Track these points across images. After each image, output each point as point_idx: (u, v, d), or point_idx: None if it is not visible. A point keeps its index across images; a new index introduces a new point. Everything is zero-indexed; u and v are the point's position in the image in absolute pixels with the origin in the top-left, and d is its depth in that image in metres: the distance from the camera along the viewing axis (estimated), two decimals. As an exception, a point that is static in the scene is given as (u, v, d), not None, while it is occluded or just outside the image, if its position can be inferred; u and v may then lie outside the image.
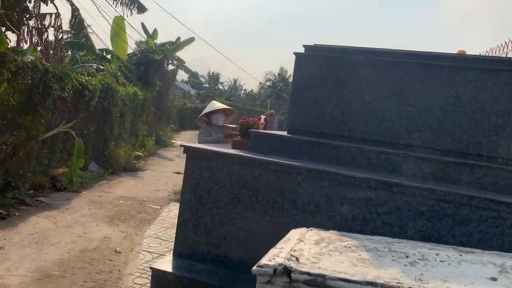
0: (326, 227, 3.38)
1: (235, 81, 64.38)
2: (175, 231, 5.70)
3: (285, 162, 3.51)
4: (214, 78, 61.60)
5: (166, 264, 3.67)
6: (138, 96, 11.66)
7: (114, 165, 9.36)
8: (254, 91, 66.37)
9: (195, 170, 3.81)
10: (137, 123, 12.40)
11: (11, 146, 6.23)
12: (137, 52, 16.51)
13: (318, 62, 4.11)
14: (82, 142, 7.27)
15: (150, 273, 4.18)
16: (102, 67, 13.73)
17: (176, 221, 6.00)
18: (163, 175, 10.00)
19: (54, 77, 6.73)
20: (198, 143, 4.74)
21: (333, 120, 4.03)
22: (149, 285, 3.84)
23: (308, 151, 3.91)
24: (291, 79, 56.52)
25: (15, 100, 6.10)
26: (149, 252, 4.76)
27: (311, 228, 2.48)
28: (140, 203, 7.00)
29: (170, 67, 20.15)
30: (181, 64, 21.87)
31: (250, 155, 3.65)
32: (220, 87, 61.32)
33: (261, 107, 47.85)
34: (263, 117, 4.93)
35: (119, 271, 4.16)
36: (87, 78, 7.97)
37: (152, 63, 15.64)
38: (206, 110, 5.06)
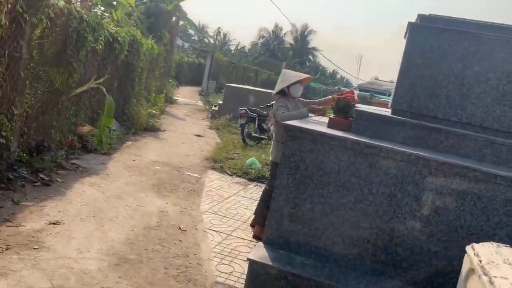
0: (454, 231, 3.06)
1: (225, 35, 61.93)
2: (229, 205, 5.36)
3: (411, 151, 3.10)
4: (203, 31, 59.39)
5: (261, 254, 3.30)
6: (155, 50, 10.89)
7: (136, 125, 8.79)
8: (246, 47, 64.51)
9: (296, 152, 3.37)
10: (150, 79, 11.68)
11: (42, 102, 5.61)
12: (146, 0, 15.41)
13: (435, 35, 3.61)
14: (112, 100, 6.70)
15: (230, 258, 3.84)
16: (107, 15, 12.74)
17: (226, 194, 5.66)
18: (185, 138, 9.49)
19: (89, 27, 6.02)
20: (278, 118, 4.27)
21: (449, 104, 3.59)
22: (235, 273, 3.50)
23: (422, 137, 3.49)
24: (285, 37, 54.31)
25: (49, 51, 5.42)
26: (215, 231, 4.38)
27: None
28: (178, 170, 6.54)
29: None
30: (183, 15, 20.71)
31: (366, 140, 3.23)
32: (211, 40, 59.30)
33: (254, 65, 46.62)
34: (356, 92, 4.47)
35: (194, 254, 3.77)
36: (116, 29, 7.24)
37: (161, 14, 14.64)
38: (286, 82, 4.53)
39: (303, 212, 3.37)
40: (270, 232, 3.47)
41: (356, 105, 3.90)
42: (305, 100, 4.77)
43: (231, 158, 7.87)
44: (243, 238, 4.33)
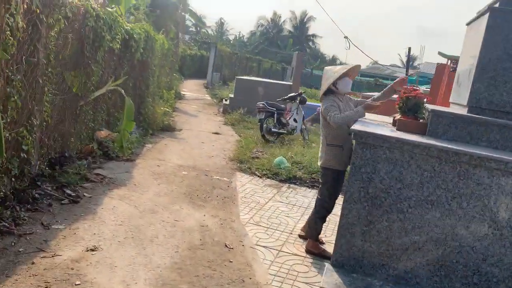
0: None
1: (222, 24, 60.72)
2: (269, 214, 4.96)
3: (509, 158, 2.68)
4: (200, 21, 58.36)
5: (334, 281, 2.89)
6: (165, 45, 10.41)
7: (152, 125, 8.36)
8: (245, 37, 63.55)
9: (369, 162, 2.95)
10: (161, 76, 11.22)
11: (60, 109, 5.18)
12: (149, -7, 14.84)
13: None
14: (131, 102, 6.26)
15: (290, 281, 3.44)
16: (110, 9, 12.22)
17: (262, 200, 5.25)
18: (203, 136, 9.06)
19: (106, 25, 5.56)
20: (333, 122, 3.82)
21: (538, 100, 3.18)
22: (301, 301, 3.11)
23: None
24: (285, 25, 53.43)
25: (65, 54, 4.97)
26: (263, 247, 3.98)
27: None
28: (206, 175, 6.13)
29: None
30: (185, 7, 20.13)
31: (455, 147, 2.80)
32: (209, 31, 58.31)
33: (254, 55, 45.83)
34: (423, 88, 4.04)
35: (250, 278, 3.38)
36: (131, 26, 6.77)
37: (167, 6, 14.11)
38: (331, 78, 4.05)
39: (379, 230, 2.97)
40: (339, 253, 3.07)
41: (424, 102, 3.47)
42: (355, 96, 4.30)
43: (256, 158, 7.45)
44: (296, 254, 3.93)
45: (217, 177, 6.11)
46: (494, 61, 3.15)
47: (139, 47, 6.98)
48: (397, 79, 4.06)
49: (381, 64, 66.68)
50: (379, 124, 3.50)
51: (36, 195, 4.16)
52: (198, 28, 56.10)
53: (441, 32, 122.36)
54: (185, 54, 28.62)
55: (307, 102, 10.79)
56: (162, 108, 9.33)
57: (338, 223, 3.06)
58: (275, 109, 9.65)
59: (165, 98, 11.35)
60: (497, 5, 3.18)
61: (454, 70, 13.09)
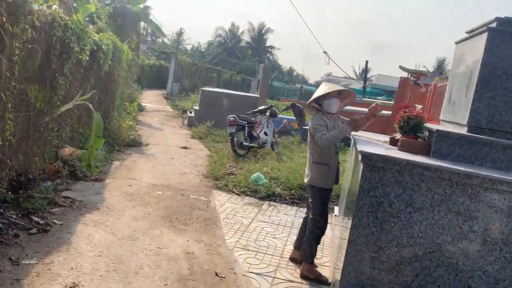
0: None
1: (181, 34, 59.85)
2: (255, 236, 4.73)
3: (522, 180, 2.63)
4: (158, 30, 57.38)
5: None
6: (129, 55, 9.99)
7: (118, 141, 7.92)
8: (202, 46, 63.10)
9: (377, 186, 2.82)
10: (124, 87, 10.75)
11: (23, 126, 4.73)
12: (109, 1, 14.34)
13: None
14: (100, 118, 5.88)
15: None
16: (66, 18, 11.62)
17: (245, 221, 5.02)
18: (172, 152, 8.70)
19: (74, 35, 5.17)
20: (320, 142, 3.69)
21: (539, 119, 3.17)
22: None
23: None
24: (243, 36, 53.93)
25: (30, 66, 4.55)
26: (256, 274, 3.74)
27: None
28: (182, 194, 5.82)
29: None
30: (147, 17, 19.64)
31: (462, 168, 2.72)
32: (166, 41, 57.37)
33: (212, 65, 45.51)
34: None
35: (249, 312, 3.14)
36: (99, 36, 6.38)
37: (128, 16, 13.65)
38: (317, 93, 3.95)
39: (388, 256, 2.83)
40: (347, 281, 2.90)
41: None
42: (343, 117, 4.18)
43: (231, 174, 7.22)
44: (292, 281, 3.73)
45: (194, 197, 5.81)
46: (493, 81, 3.14)
47: (107, 58, 6.58)
48: (372, 105, 3.76)
49: (336, 76, 68.43)
50: (380, 145, 3.38)
51: (0, 224, 3.71)
52: (154, 38, 55.17)
53: (390, 45, 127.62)
54: (143, 64, 27.94)
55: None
56: (127, 122, 8.88)
57: (330, 243, 2.89)
58: (246, 122, 9.47)
59: (128, 110, 10.87)
60: (493, 25, 3.17)
61: (415, 83, 13.50)
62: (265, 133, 10.00)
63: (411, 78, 13.00)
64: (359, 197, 2.84)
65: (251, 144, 9.48)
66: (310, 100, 4.01)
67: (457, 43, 3.89)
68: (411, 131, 3.22)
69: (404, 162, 2.74)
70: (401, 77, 12.33)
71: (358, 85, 56.99)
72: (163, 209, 5.07)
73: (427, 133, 3.27)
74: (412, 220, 2.78)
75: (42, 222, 3.99)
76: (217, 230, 4.66)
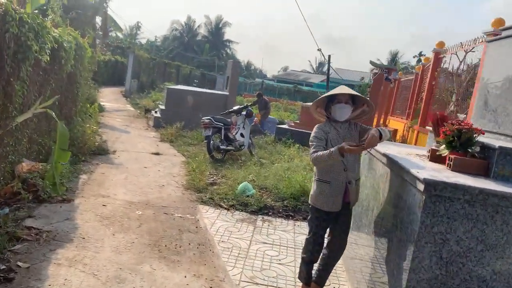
0: None
1: (139, 27, 57.41)
2: (259, 263, 4.13)
3: None
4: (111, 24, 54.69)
5: None
6: (89, 53, 9.00)
7: (83, 150, 7.03)
8: (157, 40, 60.98)
9: (443, 220, 2.30)
10: (84, 88, 9.73)
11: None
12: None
13: None
14: (65, 127, 5.05)
15: None
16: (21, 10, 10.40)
17: (243, 243, 4.40)
18: (143, 159, 7.89)
19: (32, 31, 4.31)
20: (310, 156, 3.15)
21: None
22: None
23: None
24: (200, 30, 52.70)
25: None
26: (275, 317, 3.16)
27: None
28: (165, 213, 5.10)
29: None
30: (105, 10, 18.34)
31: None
32: (119, 34, 54.93)
33: (168, 59, 43.89)
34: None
35: None
36: (59, 32, 5.49)
37: (83, 8, 12.51)
38: (323, 95, 3.37)
39: (457, 306, 2.34)
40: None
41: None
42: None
43: (214, 183, 6.55)
44: (317, 323, 3.17)
45: (179, 215, 5.11)
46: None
47: (70, 58, 5.70)
48: (370, 137, 2.88)
49: (294, 70, 68.65)
50: (427, 164, 2.86)
51: None
52: (108, 32, 52.61)
53: (343, 40, 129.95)
54: (99, 60, 26.36)
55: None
56: (91, 127, 7.97)
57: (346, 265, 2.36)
58: (222, 124, 8.81)
59: (90, 113, 9.87)
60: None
61: (387, 79, 13.29)
62: (242, 135, 9.38)
63: (383, 73, 12.76)
64: (420, 235, 2.31)
65: (228, 147, 8.84)
66: (313, 103, 3.40)
67: (489, 41, 3.46)
68: (462, 147, 2.73)
69: (476, 191, 2.24)
70: (373, 72, 12.06)
71: (316, 79, 57.57)
72: (148, 234, 4.36)
73: (477, 148, 2.79)
74: (484, 261, 2.29)
75: (2, 267, 3.18)
76: (215, 259, 4.02)
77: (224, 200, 5.80)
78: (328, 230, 3.39)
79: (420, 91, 13.17)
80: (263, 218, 5.43)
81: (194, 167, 7.41)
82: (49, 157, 6.06)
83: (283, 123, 16.67)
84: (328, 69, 31.80)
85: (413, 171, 2.46)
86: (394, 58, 57.33)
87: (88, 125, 7.79)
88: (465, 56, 10.32)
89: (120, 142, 9.22)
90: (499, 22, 7.25)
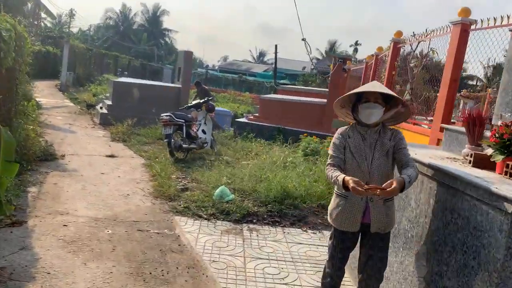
0: None
1: (73, 15, 53.19)
2: (262, 285, 3.60)
3: None
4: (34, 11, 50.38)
5: None
6: (28, 42, 7.85)
7: (28, 156, 6.05)
8: (91, 30, 57.34)
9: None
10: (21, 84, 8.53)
11: None
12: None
13: None
14: (10, 135, 4.21)
15: None
16: None
17: (237, 261, 3.88)
18: (98, 164, 7.01)
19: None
20: (326, 168, 2.69)
21: None
22: None
23: None
24: (136, 18, 50.38)
25: None
26: None
27: None
28: (139, 229, 4.41)
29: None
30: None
31: None
32: (47, 23, 50.86)
33: (104, 49, 41.28)
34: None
35: None
36: (-5, 17, 4.53)
37: (12, -8, 11.06)
38: (349, 92, 2.85)
39: None
40: None
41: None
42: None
43: (185, 189, 5.91)
44: None
45: (156, 231, 4.45)
46: None
47: (10, 50, 4.75)
48: (388, 191, 2.36)
49: (237, 60, 68.04)
50: (495, 178, 2.45)
51: None
52: (32, 21, 48.55)
53: (283, 30, 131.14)
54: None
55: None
56: (35, 129, 6.94)
57: None
58: (183, 120, 8.10)
59: (28, 112, 8.69)
60: None
61: (344, 70, 13.17)
62: (203, 131, 8.74)
63: (340, 63, 12.53)
64: (505, 264, 1.92)
65: (191, 146, 8.17)
66: (336, 101, 2.88)
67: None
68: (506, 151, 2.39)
69: None
70: (336, 61, 11.84)
71: (259, 69, 57.41)
72: (126, 259, 3.67)
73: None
74: None
75: None
76: (212, 285, 3.44)
77: (202, 208, 5.19)
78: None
79: (374, 80, 13.25)
80: (248, 227, 4.90)
81: (158, 170, 6.69)
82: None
83: (237, 116, 16.17)
84: (276, 59, 31.63)
85: (489, 186, 2.05)
86: (332, 47, 58.60)
87: (31, 127, 6.75)
88: (417, 45, 10.44)
89: (67, 144, 8.21)
90: (466, 11, 7.22)
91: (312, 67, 50.26)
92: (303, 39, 8.45)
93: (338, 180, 2.50)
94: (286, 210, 5.33)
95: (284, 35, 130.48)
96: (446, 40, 8.37)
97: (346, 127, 2.80)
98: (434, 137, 7.30)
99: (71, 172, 6.21)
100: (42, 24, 44.06)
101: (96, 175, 6.25)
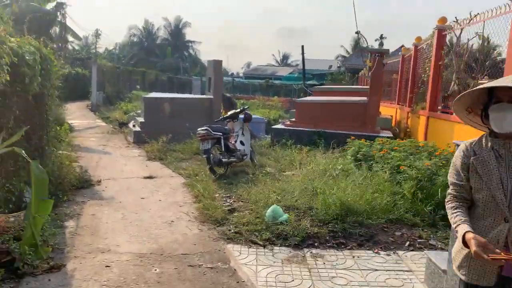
0: None
1: (99, 35, 54.32)
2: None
3: None
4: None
5: None
6: (55, 65, 7.55)
7: (63, 186, 5.66)
8: (117, 49, 58.33)
9: None
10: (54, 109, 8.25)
11: None
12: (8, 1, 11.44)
13: None
14: (42, 169, 3.78)
15: None
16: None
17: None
18: (136, 187, 6.58)
19: (-20, 41, 2.98)
20: (446, 201, 2.00)
21: None
22: None
23: None
24: (159, 33, 50.93)
25: None
26: None
27: None
28: (190, 265, 3.87)
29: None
30: (64, 18, 16.60)
31: None
32: (75, 46, 51.94)
33: (131, 66, 41.62)
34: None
35: None
36: (16, 41, 4.14)
37: (38, 17, 10.94)
38: (475, 88, 2.10)
39: None
40: None
41: None
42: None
43: (233, 210, 5.36)
44: None
45: (209, 265, 3.90)
46: None
47: (36, 75, 4.34)
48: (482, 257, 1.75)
49: (261, 65, 67.70)
50: None
51: None
52: (60, 44, 49.70)
53: (304, 31, 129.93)
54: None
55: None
56: (70, 155, 6.58)
57: None
58: (221, 133, 7.58)
59: (61, 137, 8.41)
60: None
61: (383, 65, 12.35)
62: (242, 142, 8.20)
63: (378, 57, 11.70)
64: None
65: (231, 160, 7.64)
66: (454, 101, 2.08)
67: None
68: None
69: None
70: (373, 55, 11.09)
71: (284, 72, 56.80)
72: (180, 307, 3.13)
73: None
74: None
75: None
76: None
77: (255, 233, 4.61)
78: None
79: (414, 73, 12.36)
80: (311, 252, 4.28)
81: (201, 190, 6.17)
82: (21, 205, 4.71)
83: (270, 123, 15.61)
84: (303, 60, 30.95)
85: None
86: (357, 43, 57.29)
87: (65, 153, 6.39)
88: (461, 32, 9.57)
89: (102, 167, 7.84)
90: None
91: (339, 65, 49.26)
92: (357, 32, 7.78)
93: (457, 231, 1.86)
94: (350, 229, 4.68)
95: (305, 36, 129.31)
96: (504, 22, 7.52)
97: (471, 140, 2.10)
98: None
99: (109, 200, 5.77)
100: (70, 47, 45.16)
101: (135, 201, 5.79)
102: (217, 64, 11.54)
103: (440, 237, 4.65)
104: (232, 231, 4.69)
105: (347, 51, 56.38)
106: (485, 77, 9.69)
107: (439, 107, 9.75)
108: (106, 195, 6.01)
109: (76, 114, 17.81)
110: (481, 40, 8.85)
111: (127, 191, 6.25)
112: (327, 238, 4.56)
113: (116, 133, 12.95)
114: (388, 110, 15.40)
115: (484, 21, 7.78)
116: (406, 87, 13.59)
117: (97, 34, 33.98)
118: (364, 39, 10.85)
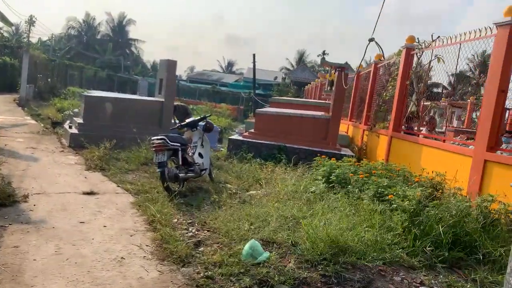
0: None
1: (33, 23, 50.12)
2: None
3: None
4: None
5: None
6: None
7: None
8: (52, 40, 54.22)
9: None
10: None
11: None
12: None
13: None
14: None
15: None
16: None
17: None
18: (74, 206, 5.35)
19: None
20: None
21: None
22: None
23: None
24: (101, 28, 48.56)
25: None
26: None
27: None
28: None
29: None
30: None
31: None
32: (4, 33, 47.47)
33: (67, 60, 38.67)
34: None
35: None
36: None
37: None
38: None
39: None
40: None
41: None
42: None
43: (198, 243, 4.39)
44: None
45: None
46: None
47: None
48: None
49: (206, 70, 66.45)
50: None
51: None
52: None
53: (250, 40, 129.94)
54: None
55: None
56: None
57: None
58: (179, 144, 6.56)
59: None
60: None
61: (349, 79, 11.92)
62: (200, 155, 7.22)
63: (340, 71, 11.23)
64: None
65: (188, 175, 6.65)
66: None
67: None
68: None
69: None
70: (336, 70, 10.57)
71: (230, 79, 55.98)
72: None
73: None
74: None
75: None
76: None
77: (231, 278, 3.68)
78: None
79: (373, 91, 12.08)
80: (304, 305, 3.44)
81: (155, 213, 5.11)
82: None
83: (222, 132, 14.73)
84: (254, 69, 30.36)
85: None
86: (301, 57, 58.09)
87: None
88: (422, 54, 9.39)
89: (30, 177, 6.48)
90: (512, 10, 6.17)
91: (283, 76, 49.45)
92: (371, 39, 7.10)
93: None
94: (344, 273, 3.90)
95: (251, 46, 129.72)
96: (481, 46, 7.34)
97: None
98: (480, 159, 6.10)
99: (39, 224, 4.54)
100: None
101: (73, 226, 4.61)
102: (171, 64, 10.44)
103: (443, 283, 4.02)
104: (202, 274, 3.72)
105: (291, 64, 56.90)
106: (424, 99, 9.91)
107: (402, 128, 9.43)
108: (34, 216, 4.76)
109: (1, 109, 15.70)
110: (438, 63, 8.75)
111: (62, 212, 5.03)
112: (319, 285, 3.75)
113: (48, 134, 11.35)
114: (340, 126, 15.12)
115: (460, 44, 7.51)
116: (361, 104, 13.31)
117: (31, 21, 30.88)
118: (379, 48, 10.47)
